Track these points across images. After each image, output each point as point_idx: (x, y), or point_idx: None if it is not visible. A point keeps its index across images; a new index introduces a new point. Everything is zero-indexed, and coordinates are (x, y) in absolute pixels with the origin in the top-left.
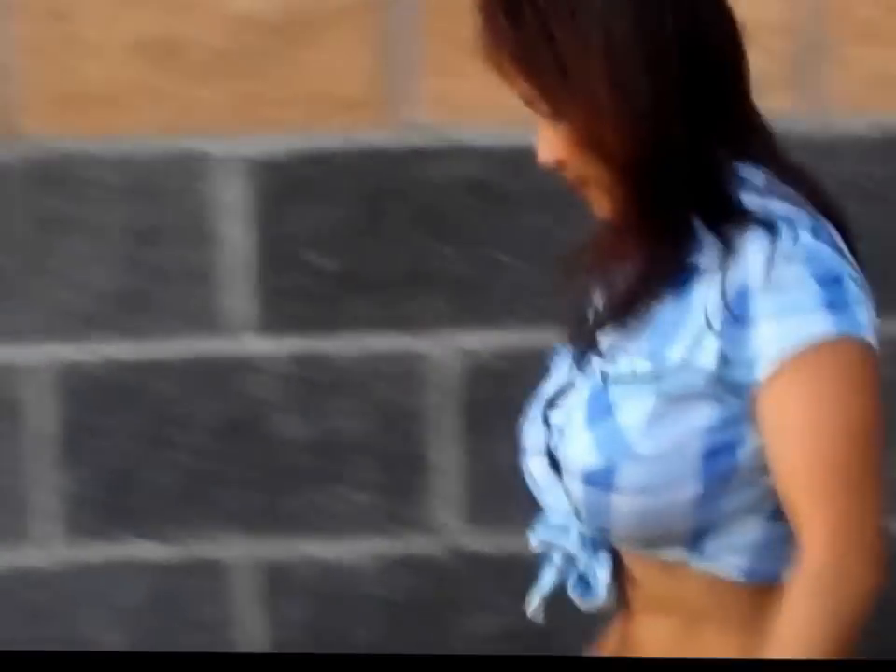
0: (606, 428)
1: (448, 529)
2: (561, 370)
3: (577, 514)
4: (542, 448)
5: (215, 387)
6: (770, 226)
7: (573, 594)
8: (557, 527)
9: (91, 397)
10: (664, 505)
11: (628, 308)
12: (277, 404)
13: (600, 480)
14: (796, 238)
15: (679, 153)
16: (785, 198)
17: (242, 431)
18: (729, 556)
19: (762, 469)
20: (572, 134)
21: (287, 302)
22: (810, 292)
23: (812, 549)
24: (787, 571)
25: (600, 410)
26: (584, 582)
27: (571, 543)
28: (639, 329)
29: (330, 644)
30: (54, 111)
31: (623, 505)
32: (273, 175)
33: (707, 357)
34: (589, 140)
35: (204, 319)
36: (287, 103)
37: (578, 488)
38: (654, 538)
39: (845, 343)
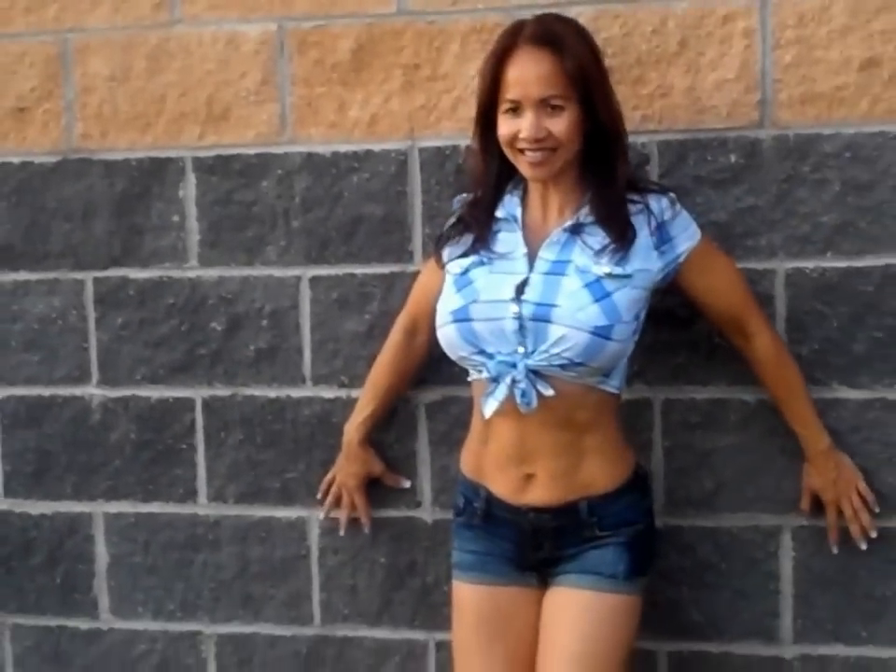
0: (608, 304)
1: None
2: (487, 275)
3: (560, 353)
4: (509, 315)
5: None
6: (661, 193)
7: (519, 402)
8: (506, 363)
9: None
10: (626, 348)
11: (622, 240)
12: None
13: (604, 333)
14: (674, 197)
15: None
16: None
17: None
18: (614, 379)
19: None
20: (577, 121)
21: None
22: (689, 217)
23: (766, 332)
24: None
25: (601, 293)
26: (524, 396)
27: (518, 372)
28: (614, 250)
29: None
30: None
31: (611, 348)
32: None
33: (655, 262)
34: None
35: None
36: None
37: (581, 337)
38: (607, 368)
39: (707, 237)
